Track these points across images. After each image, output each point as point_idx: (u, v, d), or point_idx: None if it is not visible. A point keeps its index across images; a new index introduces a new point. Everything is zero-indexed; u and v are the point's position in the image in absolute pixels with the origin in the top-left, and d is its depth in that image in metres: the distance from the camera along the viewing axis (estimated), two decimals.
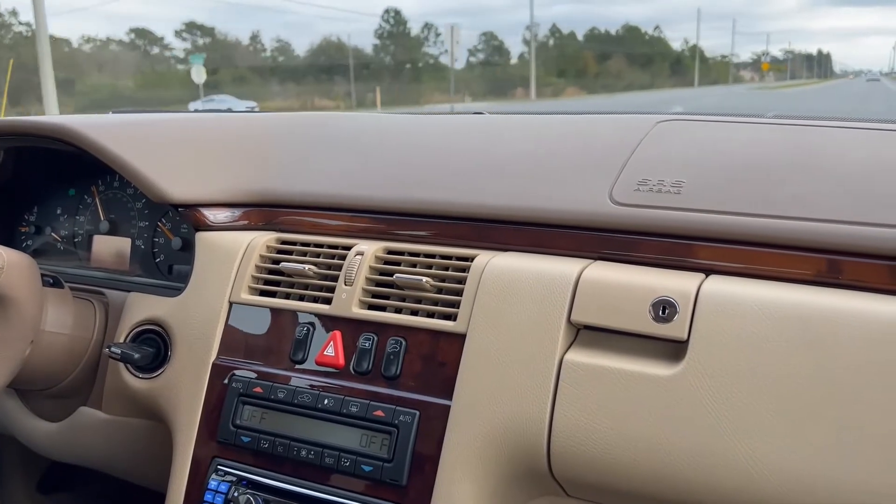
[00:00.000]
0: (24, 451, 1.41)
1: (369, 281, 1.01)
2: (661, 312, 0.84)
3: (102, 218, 1.35)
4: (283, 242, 1.10)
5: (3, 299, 0.97)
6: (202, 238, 1.13)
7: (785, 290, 0.82)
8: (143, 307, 1.14)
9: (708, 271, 0.88)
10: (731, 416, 0.78)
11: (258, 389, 1.01)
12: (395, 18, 63.23)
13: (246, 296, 1.07)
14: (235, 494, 0.98)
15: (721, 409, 0.78)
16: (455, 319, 0.94)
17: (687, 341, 0.82)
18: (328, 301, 1.02)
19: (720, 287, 0.84)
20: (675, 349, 0.84)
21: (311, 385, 0.99)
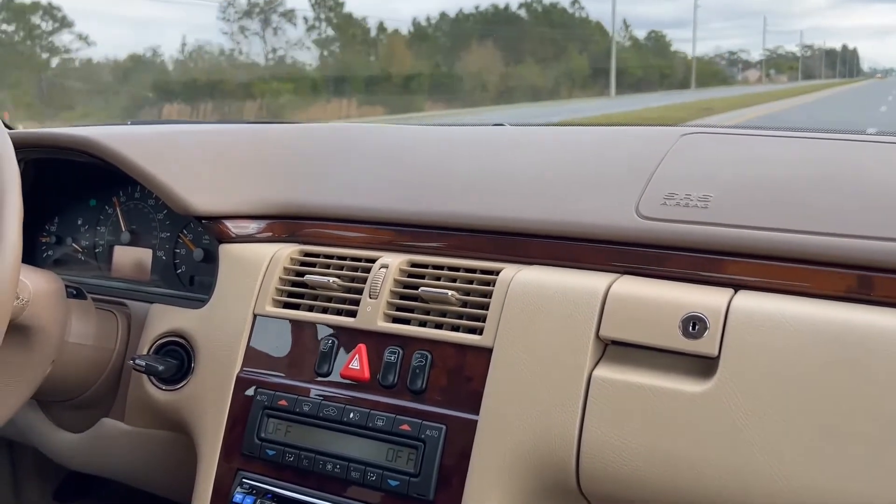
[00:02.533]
0: (41, 460, 1.42)
1: (394, 294, 1.01)
2: (691, 328, 0.83)
3: (124, 229, 1.35)
4: (307, 255, 1.10)
5: (27, 329, 0.98)
6: (226, 250, 1.13)
7: (816, 307, 0.81)
8: (166, 319, 1.14)
9: (737, 286, 0.88)
10: (763, 433, 0.77)
11: (283, 402, 1.00)
12: None
13: (270, 308, 1.07)
14: None
15: (753, 427, 0.78)
16: (481, 333, 0.94)
17: (718, 357, 0.81)
18: (353, 314, 1.02)
19: (750, 303, 0.83)
20: (705, 365, 0.83)
21: (336, 398, 0.99)
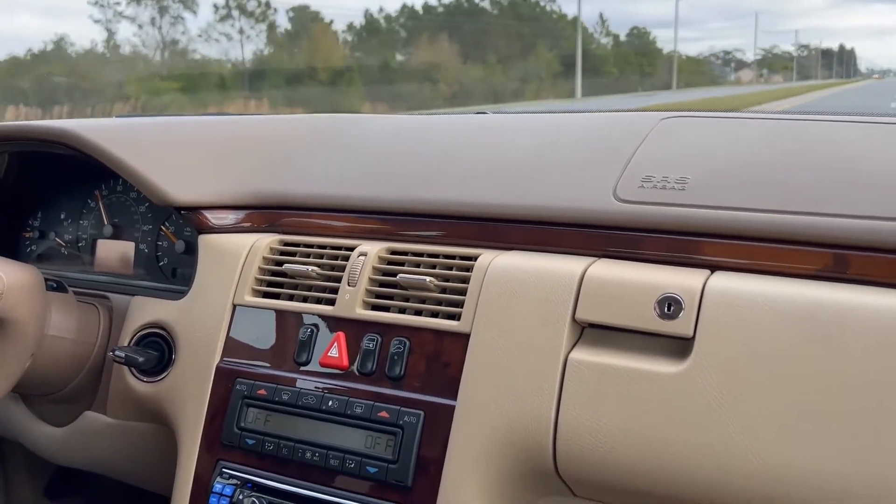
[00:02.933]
0: (30, 456, 1.41)
1: (372, 282, 1.01)
2: (666, 309, 0.83)
3: (106, 222, 1.35)
4: (286, 244, 1.10)
5: (2, 323, 0.97)
6: (205, 241, 1.13)
7: (792, 286, 0.81)
8: (146, 311, 1.14)
9: (713, 267, 0.87)
10: (738, 412, 0.77)
11: (262, 392, 1.00)
12: None
13: (249, 298, 1.06)
14: (240, 497, 0.98)
15: (728, 406, 0.78)
16: (459, 319, 0.93)
17: (693, 338, 0.81)
18: (332, 302, 1.01)
19: (726, 283, 0.83)
20: (680, 346, 0.83)
21: (315, 387, 0.98)
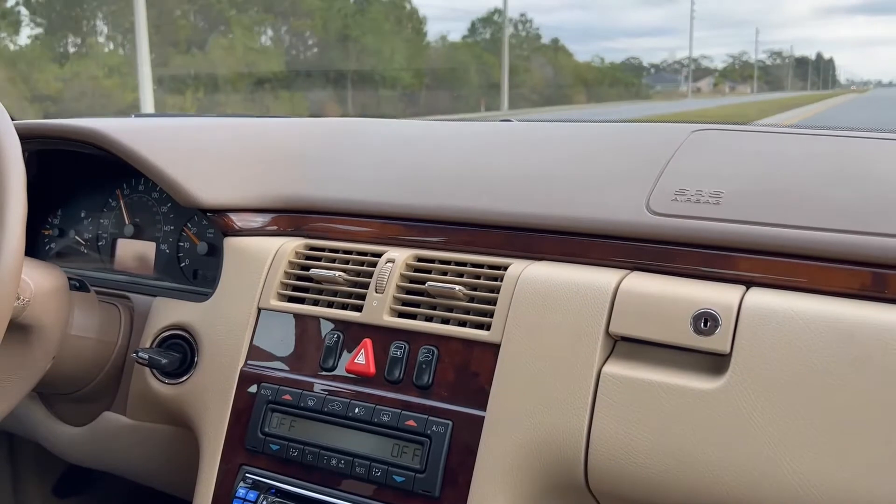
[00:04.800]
0: (40, 454, 1.41)
1: (400, 289, 1.00)
2: (702, 325, 0.82)
3: (127, 222, 1.34)
4: (313, 249, 1.09)
5: (27, 328, 0.97)
6: (230, 243, 1.12)
7: (830, 304, 0.80)
8: (169, 312, 1.13)
9: (748, 283, 0.87)
10: (776, 431, 0.76)
11: (287, 397, 0.99)
12: None
13: (275, 302, 1.06)
14: (264, 503, 0.97)
15: (766, 424, 0.77)
16: (489, 329, 0.93)
17: (730, 354, 0.81)
18: (358, 308, 1.01)
19: (763, 300, 0.82)
20: (716, 362, 0.82)
21: (341, 393, 0.98)
